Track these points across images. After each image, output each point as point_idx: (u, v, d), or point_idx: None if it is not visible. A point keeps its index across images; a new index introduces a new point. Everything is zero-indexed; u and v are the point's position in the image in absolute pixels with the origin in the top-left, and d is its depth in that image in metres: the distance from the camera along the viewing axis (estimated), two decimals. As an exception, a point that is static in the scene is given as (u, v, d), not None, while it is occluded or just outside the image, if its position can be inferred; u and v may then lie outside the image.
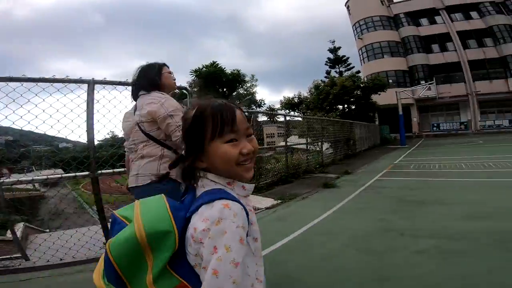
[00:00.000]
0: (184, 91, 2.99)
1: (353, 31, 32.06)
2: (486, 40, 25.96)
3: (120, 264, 0.59)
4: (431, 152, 11.65)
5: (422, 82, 25.42)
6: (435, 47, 27.84)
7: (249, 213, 0.64)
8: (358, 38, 30.87)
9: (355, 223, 3.16)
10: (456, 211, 3.25)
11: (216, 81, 14.05)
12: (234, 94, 15.74)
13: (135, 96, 1.60)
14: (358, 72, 26.46)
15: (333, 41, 29.58)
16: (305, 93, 21.31)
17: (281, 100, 21.02)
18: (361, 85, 18.03)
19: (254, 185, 0.73)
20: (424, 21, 28.72)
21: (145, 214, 0.63)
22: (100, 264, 0.64)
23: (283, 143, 7.13)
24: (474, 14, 26.71)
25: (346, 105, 19.02)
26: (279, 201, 4.36)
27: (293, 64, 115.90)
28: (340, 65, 30.05)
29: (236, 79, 14.23)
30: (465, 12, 27.00)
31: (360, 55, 31.63)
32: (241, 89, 27.23)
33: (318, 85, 17.98)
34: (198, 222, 0.59)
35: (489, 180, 5.10)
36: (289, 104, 21.04)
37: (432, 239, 2.49)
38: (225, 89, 15.25)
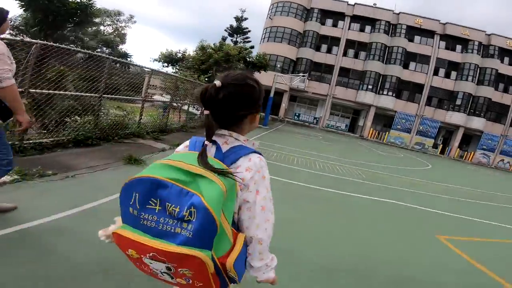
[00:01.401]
0: None
1: (269, 10, 31.75)
2: (361, 53, 30.48)
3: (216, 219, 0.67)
4: (283, 138, 12.84)
5: (301, 74, 28.23)
6: (324, 47, 30.86)
7: None
8: (269, 17, 30.86)
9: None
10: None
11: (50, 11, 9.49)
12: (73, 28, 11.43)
13: None
14: (252, 47, 26.39)
15: (244, 10, 28.23)
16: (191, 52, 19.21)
17: (161, 52, 17.98)
18: (247, 59, 17.70)
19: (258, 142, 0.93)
20: (329, 21, 30.98)
21: (211, 169, 0.73)
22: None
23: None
24: (368, 28, 30.32)
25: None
26: (19, 177, 2.83)
27: (202, 22, 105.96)
28: (238, 35, 29.19)
29: (84, 11, 10.35)
30: (362, 24, 30.36)
31: (263, 34, 31.86)
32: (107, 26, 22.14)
33: (205, 46, 16.32)
34: (243, 171, 0.80)
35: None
36: (168, 58, 18.39)
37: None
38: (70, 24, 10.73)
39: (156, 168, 0.74)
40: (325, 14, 31.07)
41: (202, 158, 0.75)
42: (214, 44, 16.13)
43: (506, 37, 29.34)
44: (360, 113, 31.83)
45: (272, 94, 17.98)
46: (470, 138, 31.08)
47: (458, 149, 29.99)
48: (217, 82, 0.81)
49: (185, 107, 10.04)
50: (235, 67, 15.50)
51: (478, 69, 28.89)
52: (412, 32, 29.82)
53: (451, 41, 29.58)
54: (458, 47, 29.68)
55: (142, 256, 0.72)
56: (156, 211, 0.71)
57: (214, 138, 0.84)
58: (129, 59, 23.46)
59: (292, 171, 6.02)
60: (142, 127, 6.35)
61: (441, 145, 29.95)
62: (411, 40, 29.79)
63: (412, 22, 29.57)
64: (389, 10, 30.02)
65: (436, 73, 29.65)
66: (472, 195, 7.70)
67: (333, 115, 32.17)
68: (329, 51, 30.99)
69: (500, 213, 6.29)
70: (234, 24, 28.94)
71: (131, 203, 0.73)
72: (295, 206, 3.86)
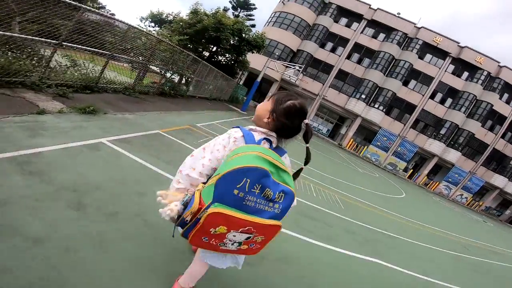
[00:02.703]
0: None
1: None
2: (365, 60, 28.94)
3: None
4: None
5: (297, 65, 26.31)
6: (329, 45, 29.12)
7: None
8: (282, 2, 28.37)
9: None
10: None
11: None
12: None
13: None
14: (253, 26, 23.98)
15: None
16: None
17: (150, 11, 15.13)
18: (243, 35, 15.45)
19: None
20: (343, 20, 29.12)
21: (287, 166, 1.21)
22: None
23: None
24: (381, 36, 28.62)
25: (219, 48, 16.11)
26: None
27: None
28: (242, 10, 26.54)
29: None
30: (377, 31, 28.61)
31: (270, 18, 29.45)
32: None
33: (198, 10, 13.79)
34: (287, 161, 1.25)
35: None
36: (157, 18, 15.59)
37: None
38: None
39: (259, 160, 1.00)
40: (341, 12, 29.17)
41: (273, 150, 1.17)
42: (210, 10, 13.71)
43: None
44: (345, 121, 30.88)
45: (259, 79, 16.05)
46: (439, 169, 31.42)
47: (426, 177, 30.23)
48: (307, 122, 1.27)
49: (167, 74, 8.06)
50: (225, 38, 13.25)
51: (475, 100, 27.93)
52: (425, 49, 28.30)
53: (461, 67, 28.16)
54: (465, 74, 28.34)
55: (232, 230, 1.00)
56: (256, 194, 0.99)
57: (269, 137, 1.22)
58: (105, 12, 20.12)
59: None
60: (54, 77, 4.32)
61: (411, 170, 30.00)
62: (421, 57, 28.29)
63: (430, 39, 27.88)
64: (411, 23, 28.24)
65: (432, 96, 28.69)
66: (477, 251, 6.59)
67: (318, 116, 30.95)
68: (333, 50, 29.31)
69: None
70: None
71: (238, 186, 0.96)
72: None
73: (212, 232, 0.99)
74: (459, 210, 20.31)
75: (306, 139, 1.19)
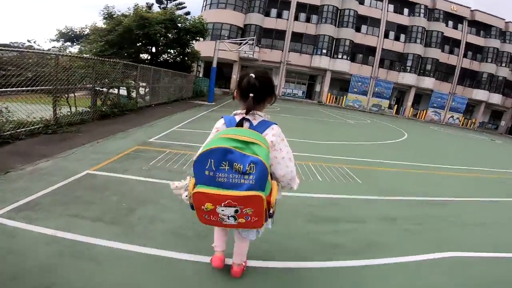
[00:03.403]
0: None
1: None
2: (313, 17, 27.86)
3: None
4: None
5: (247, 38, 24.66)
6: (274, 11, 27.52)
7: None
8: None
9: None
10: None
11: None
12: None
13: None
14: (188, 13, 21.67)
15: None
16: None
17: (57, 29, 12.53)
18: (178, 24, 13.57)
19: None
20: None
21: (258, 138, 1.19)
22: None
23: None
24: None
25: (158, 47, 14.22)
26: None
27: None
28: (168, 2, 24.04)
29: None
30: None
31: (204, 1, 26.98)
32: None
33: (112, 14, 11.66)
34: (270, 137, 1.27)
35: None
36: (68, 35, 13.14)
37: None
38: None
39: (221, 140, 1.14)
40: (274, -24, 27.32)
41: (252, 128, 1.29)
42: (127, 9, 11.56)
43: (450, 1, 29.80)
44: (316, 78, 29.94)
45: (214, 64, 14.38)
46: (420, 97, 31.61)
47: (412, 108, 30.26)
48: (252, 74, 1.28)
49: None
50: (154, 32, 11.27)
51: (425, 32, 29.22)
52: None
53: (399, 5, 29.20)
54: (406, 11, 29.48)
55: (216, 206, 1.15)
56: (226, 170, 1.12)
57: (247, 116, 1.31)
58: None
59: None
60: None
61: (396, 106, 29.94)
62: (361, 3, 28.26)
63: None
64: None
65: (386, 36, 29.14)
66: None
67: (289, 82, 29.75)
68: (279, 16, 27.73)
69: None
70: None
71: (207, 167, 1.13)
72: None
73: (204, 209, 1.19)
74: (460, 133, 20.12)
75: (257, 100, 1.32)
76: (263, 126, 1.31)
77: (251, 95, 1.27)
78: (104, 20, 11.51)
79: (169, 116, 8.40)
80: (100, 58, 6.72)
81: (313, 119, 12.49)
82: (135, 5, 10.96)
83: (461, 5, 29.88)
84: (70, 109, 6.25)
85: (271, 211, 1.22)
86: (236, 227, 1.29)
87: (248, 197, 1.11)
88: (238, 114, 1.35)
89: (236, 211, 1.16)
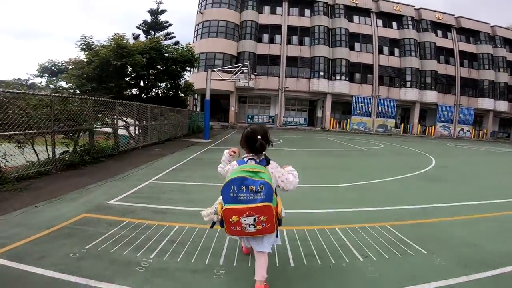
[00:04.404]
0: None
1: (198, 4, 27.38)
2: (305, 39, 27.76)
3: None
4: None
5: (246, 71, 24.24)
6: (266, 37, 27.55)
7: None
8: (199, 12, 26.52)
9: None
10: None
11: None
12: None
13: None
14: (177, 43, 21.36)
15: (160, 2, 23.18)
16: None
17: (39, 64, 11.69)
18: (164, 54, 12.84)
19: None
20: (266, 8, 27.89)
21: (262, 169, 1.73)
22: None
23: None
24: (307, 11, 28.13)
25: (146, 81, 13.42)
26: None
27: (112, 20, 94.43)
28: (157, 32, 24.05)
29: None
30: (301, 8, 28.05)
31: (195, 32, 27.28)
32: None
33: (90, 44, 10.90)
34: (271, 169, 1.83)
35: None
36: (51, 70, 12.35)
37: None
38: None
39: (238, 172, 1.66)
40: (261, 1, 27.76)
41: (257, 163, 1.80)
42: (108, 38, 10.75)
43: (434, 11, 30.28)
44: (316, 103, 29.17)
45: (208, 96, 13.38)
46: (426, 113, 30.51)
47: (419, 125, 29.02)
48: (259, 137, 1.83)
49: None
50: (133, 63, 10.26)
51: (418, 44, 29.13)
52: (350, 12, 28.62)
53: (386, 19, 29.41)
54: (394, 24, 29.64)
55: (240, 217, 1.63)
56: (244, 191, 1.62)
57: (253, 157, 1.86)
58: None
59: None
60: None
61: (402, 124, 28.74)
62: (351, 21, 28.47)
63: (348, 1, 28.20)
64: (326, -9, 27.80)
65: (381, 51, 28.93)
66: None
67: (289, 110, 28.95)
68: (271, 41, 27.74)
69: None
70: (149, 19, 23.70)
71: (231, 190, 1.63)
72: None
73: (231, 222, 1.65)
74: (482, 146, 18.59)
75: (262, 148, 1.86)
76: (263, 162, 1.85)
77: (257, 149, 1.85)
78: (81, 51, 10.65)
79: (153, 161, 7.06)
80: (60, 95, 5.54)
81: (322, 151, 10.98)
82: (115, 34, 10.13)
83: (445, 13, 30.27)
84: (39, 157, 4.97)
85: (280, 218, 1.77)
86: (256, 234, 1.72)
87: (262, 207, 1.61)
88: (246, 156, 1.89)
89: (254, 220, 1.64)
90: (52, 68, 12.03)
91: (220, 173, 2.00)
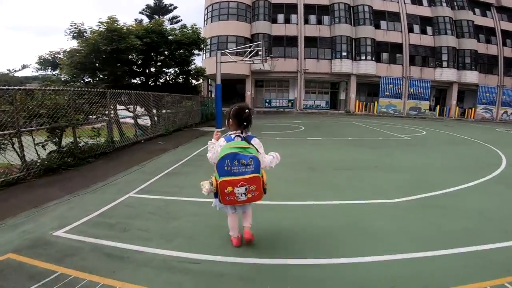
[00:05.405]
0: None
1: None
2: (324, 18, 25.37)
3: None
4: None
5: (260, 53, 22.46)
6: (280, 17, 25.32)
7: None
8: None
9: None
10: None
11: None
12: None
13: None
14: (184, 26, 19.90)
15: None
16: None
17: (39, 56, 10.69)
18: (168, 37, 11.53)
19: None
20: None
21: (249, 145, 2.12)
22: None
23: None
24: None
25: (151, 68, 12.31)
26: None
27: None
28: (161, 16, 22.63)
29: None
30: None
31: (205, 15, 25.56)
32: None
33: (81, 31, 9.59)
34: (256, 144, 2.14)
35: None
36: (53, 62, 11.39)
37: None
38: None
39: (230, 148, 1.99)
40: (272, -21, 25.37)
41: (244, 140, 2.11)
42: (99, 22, 9.37)
43: None
44: (339, 85, 26.99)
45: (218, 81, 12.02)
46: (463, 94, 27.37)
47: (457, 107, 26.14)
48: (247, 110, 2.16)
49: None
50: (125, 47, 8.80)
51: (454, 22, 25.99)
52: None
53: None
54: (425, 1, 26.44)
55: (234, 187, 1.98)
56: (236, 165, 1.98)
57: (240, 134, 2.14)
58: None
59: None
60: None
61: (438, 106, 25.99)
62: None
63: None
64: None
65: (411, 30, 25.96)
66: None
67: (309, 93, 26.95)
68: (287, 21, 25.38)
69: None
70: (152, 1, 22.29)
71: (225, 165, 1.97)
72: None
73: (226, 192, 2.00)
74: None
75: (250, 120, 2.19)
76: (249, 138, 2.15)
77: (245, 124, 2.15)
78: (75, 41, 9.55)
79: (149, 160, 5.95)
80: (21, 88, 4.45)
81: (353, 141, 9.08)
82: (109, 17, 8.85)
83: (483, -9, 26.36)
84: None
85: (265, 187, 2.14)
86: (246, 202, 2.11)
87: (252, 178, 1.99)
88: (233, 133, 2.16)
89: (245, 189, 2.00)
90: (52, 60, 11.10)
91: (210, 159, 2.22)
